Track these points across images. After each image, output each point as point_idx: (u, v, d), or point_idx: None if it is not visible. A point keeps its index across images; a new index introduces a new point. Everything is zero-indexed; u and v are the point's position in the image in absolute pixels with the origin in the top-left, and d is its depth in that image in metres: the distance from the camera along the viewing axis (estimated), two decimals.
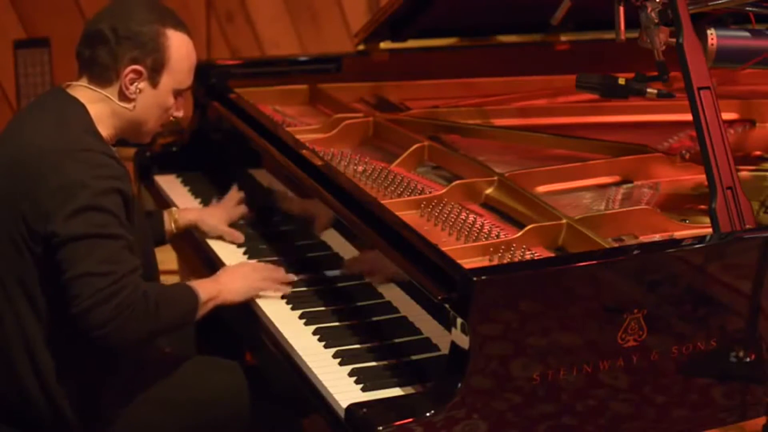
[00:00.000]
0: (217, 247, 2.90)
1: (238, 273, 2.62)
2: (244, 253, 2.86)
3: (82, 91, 2.45)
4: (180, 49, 2.47)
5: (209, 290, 2.50)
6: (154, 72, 2.44)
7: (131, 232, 2.37)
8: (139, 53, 2.41)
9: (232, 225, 2.97)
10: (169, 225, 2.91)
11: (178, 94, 2.50)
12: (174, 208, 3.00)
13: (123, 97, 2.44)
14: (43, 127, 2.39)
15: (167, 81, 2.46)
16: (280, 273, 2.65)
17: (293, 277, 2.66)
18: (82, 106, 2.42)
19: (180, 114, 2.54)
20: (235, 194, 3.05)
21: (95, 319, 2.25)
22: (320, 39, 5.39)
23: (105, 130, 2.44)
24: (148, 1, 2.49)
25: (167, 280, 3.14)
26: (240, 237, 2.91)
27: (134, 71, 2.42)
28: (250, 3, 5.29)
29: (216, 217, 2.96)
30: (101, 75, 2.44)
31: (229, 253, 2.86)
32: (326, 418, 2.21)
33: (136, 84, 2.43)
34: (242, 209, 3.02)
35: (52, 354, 2.37)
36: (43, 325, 2.37)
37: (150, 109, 2.47)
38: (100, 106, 2.44)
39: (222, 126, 3.34)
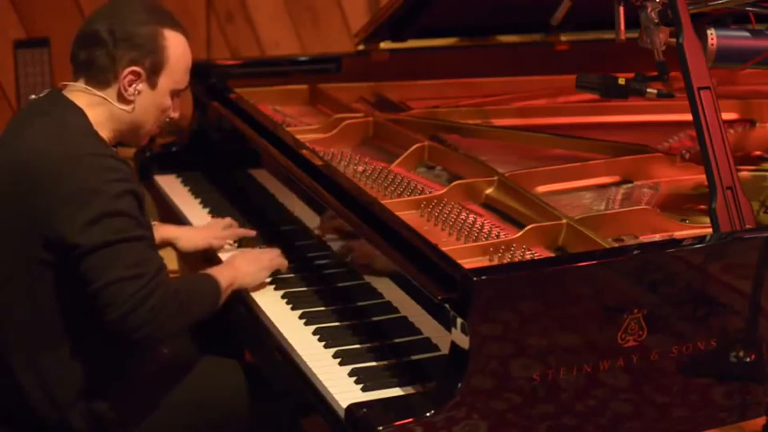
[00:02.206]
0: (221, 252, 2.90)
1: (249, 257, 2.66)
2: None
3: (80, 95, 2.43)
4: (177, 49, 2.46)
5: (227, 277, 2.53)
6: (153, 73, 2.43)
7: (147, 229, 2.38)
8: (137, 54, 2.40)
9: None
10: None
11: (175, 94, 2.50)
12: (155, 222, 2.84)
13: (122, 99, 2.43)
14: (44, 132, 2.37)
15: (165, 82, 2.45)
16: (279, 253, 2.71)
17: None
18: (81, 111, 2.41)
19: (176, 115, 2.53)
20: (223, 221, 2.93)
21: (134, 323, 2.25)
22: (320, 39, 5.39)
23: (104, 133, 2.43)
24: (144, 2, 2.48)
25: None
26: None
27: (133, 73, 2.41)
28: (250, 3, 5.29)
29: (194, 239, 2.88)
30: (99, 77, 2.42)
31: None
32: (326, 418, 2.21)
33: (134, 85, 2.42)
34: (225, 239, 2.89)
35: (55, 361, 2.37)
36: (46, 332, 2.36)
37: (148, 110, 2.46)
38: (99, 110, 2.43)
39: (222, 126, 3.33)
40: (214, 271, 2.53)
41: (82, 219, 2.26)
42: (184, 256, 2.93)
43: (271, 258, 2.68)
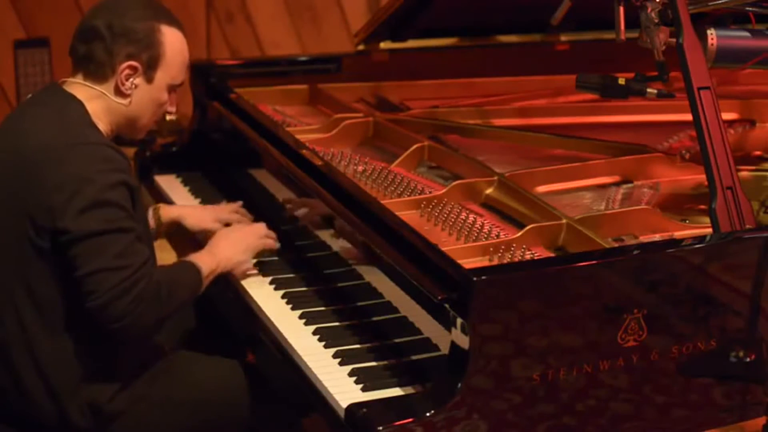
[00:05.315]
0: None
1: (231, 240, 2.67)
2: None
3: (78, 88, 2.46)
4: (174, 44, 2.49)
5: (209, 264, 2.56)
6: (150, 68, 2.46)
7: (138, 222, 2.38)
8: (134, 49, 2.44)
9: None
10: (153, 222, 2.89)
11: (172, 89, 2.53)
12: (160, 205, 2.99)
13: (119, 92, 2.46)
14: (43, 122, 2.40)
15: (162, 76, 2.48)
16: (266, 230, 2.73)
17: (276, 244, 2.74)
18: (80, 102, 2.44)
19: (173, 110, 2.57)
20: (231, 205, 2.99)
21: (113, 313, 2.28)
22: (320, 39, 5.39)
23: (102, 126, 2.46)
24: None
25: None
26: None
27: (130, 67, 2.44)
28: (250, 3, 5.29)
29: (199, 217, 2.93)
30: (97, 71, 2.45)
31: None
32: (326, 418, 2.21)
33: (131, 80, 2.45)
34: (231, 217, 2.94)
35: (54, 352, 2.37)
36: (45, 323, 2.37)
37: (145, 104, 2.49)
38: (97, 103, 2.46)
39: (222, 126, 3.34)
40: (197, 258, 2.55)
41: (75, 206, 2.28)
42: (189, 237, 2.94)
43: (256, 236, 2.70)
